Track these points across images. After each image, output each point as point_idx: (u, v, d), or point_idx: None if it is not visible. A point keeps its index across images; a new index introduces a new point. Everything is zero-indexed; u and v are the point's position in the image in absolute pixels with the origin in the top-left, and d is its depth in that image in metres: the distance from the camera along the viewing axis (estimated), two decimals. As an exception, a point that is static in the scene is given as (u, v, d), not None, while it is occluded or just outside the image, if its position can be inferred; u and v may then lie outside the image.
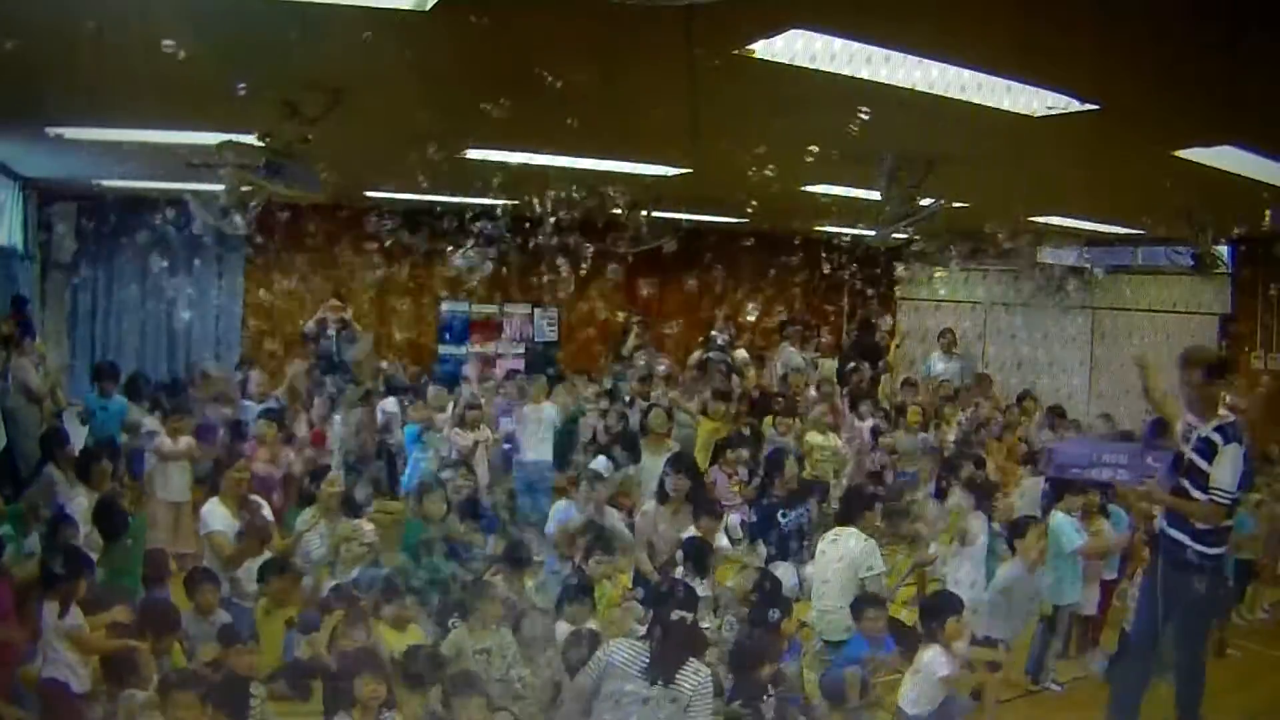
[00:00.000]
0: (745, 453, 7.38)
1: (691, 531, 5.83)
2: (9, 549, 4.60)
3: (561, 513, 6.05)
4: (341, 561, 5.47)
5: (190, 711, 3.62)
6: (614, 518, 6.10)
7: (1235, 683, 5.56)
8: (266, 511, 5.74)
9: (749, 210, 7.94)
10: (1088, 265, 10.16)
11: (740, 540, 7.13)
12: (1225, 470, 4.27)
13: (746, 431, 8.16)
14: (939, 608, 4.52)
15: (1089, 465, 5.18)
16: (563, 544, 5.79)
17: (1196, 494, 4.32)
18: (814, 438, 7.88)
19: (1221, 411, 4.39)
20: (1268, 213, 5.69)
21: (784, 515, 6.51)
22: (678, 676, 3.74)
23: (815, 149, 4.26)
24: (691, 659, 3.83)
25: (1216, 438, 4.30)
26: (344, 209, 9.63)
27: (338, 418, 7.60)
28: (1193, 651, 4.52)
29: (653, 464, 6.86)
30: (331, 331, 9.19)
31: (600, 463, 7.00)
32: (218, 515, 5.48)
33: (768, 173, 4.50)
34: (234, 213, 5.06)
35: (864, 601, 4.96)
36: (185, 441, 6.54)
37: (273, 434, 6.75)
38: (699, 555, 5.42)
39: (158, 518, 6.41)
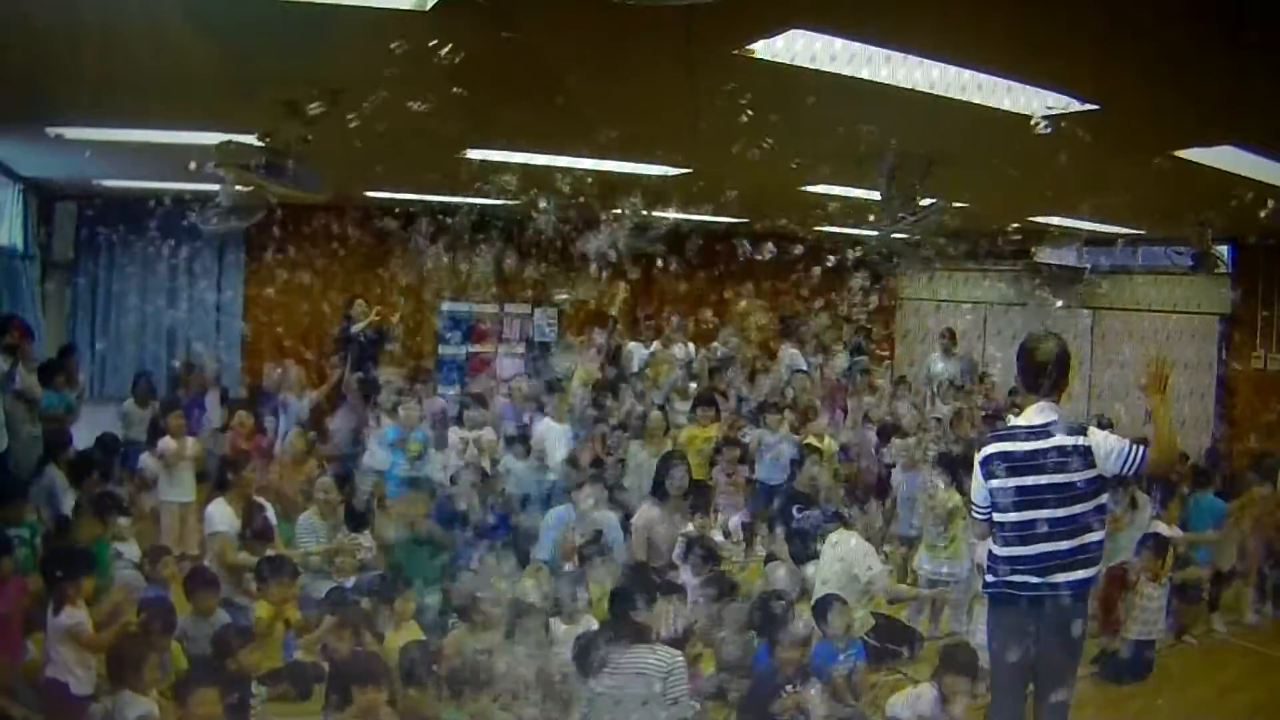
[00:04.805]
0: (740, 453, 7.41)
1: (688, 529, 5.85)
2: (21, 550, 4.63)
3: (557, 518, 6.05)
4: (335, 571, 5.50)
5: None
6: (612, 520, 6.11)
7: (1235, 683, 5.57)
8: (269, 513, 5.75)
9: (748, 210, 7.95)
10: (1087, 265, 10.16)
11: (740, 543, 7.14)
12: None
13: (744, 435, 8.16)
14: (950, 660, 4.48)
15: None
16: (559, 552, 5.80)
17: None
18: (814, 440, 7.89)
19: (1015, 416, 3.95)
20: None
21: (799, 512, 6.50)
22: (635, 663, 3.76)
23: (798, 161, 4.21)
24: (658, 646, 3.86)
25: None
26: (344, 209, 9.63)
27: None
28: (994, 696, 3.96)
29: (649, 465, 6.87)
30: (371, 335, 9.10)
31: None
32: (222, 515, 5.49)
33: (764, 171, 4.49)
34: (234, 213, 5.05)
35: (825, 601, 4.89)
36: (189, 443, 6.56)
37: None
38: (700, 550, 5.44)
39: (162, 518, 6.43)
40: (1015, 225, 8.62)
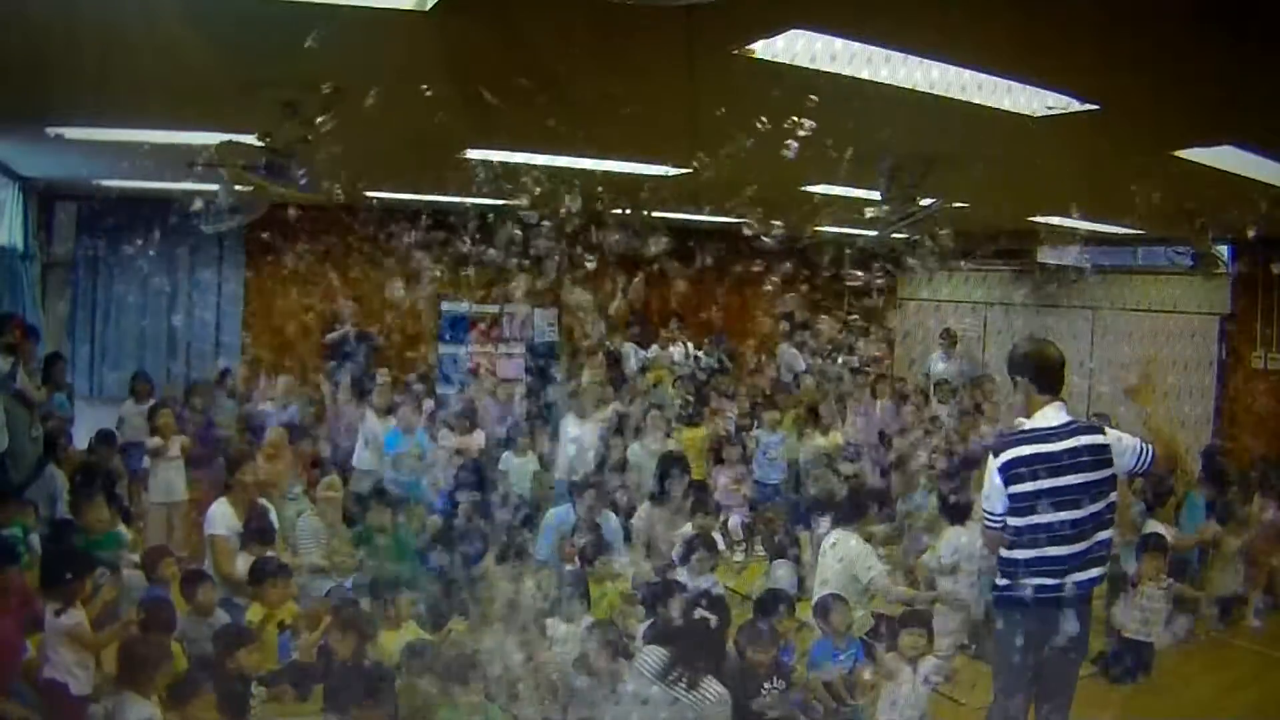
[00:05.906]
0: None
1: (689, 529, 5.85)
2: (19, 550, 4.63)
3: (558, 518, 6.05)
4: (335, 570, 5.49)
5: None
6: (612, 521, 6.11)
7: (1235, 683, 5.56)
8: (272, 515, 5.75)
9: (748, 210, 7.91)
10: (1087, 265, 10.15)
11: (740, 543, 7.14)
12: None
13: (742, 435, 8.16)
14: (902, 622, 4.60)
15: None
16: (559, 552, 5.80)
17: None
18: (818, 440, 7.90)
19: (1020, 419, 3.88)
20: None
21: (819, 516, 6.49)
22: (702, 685, 3.74)
23: (788, 142, 4.18)
24: (711, 676, 3.84)
25: None
26: (344, 209, 9.63)
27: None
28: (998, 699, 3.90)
29: (649, 464, 6.87)
30: (354, 342, 9.08)
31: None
32: (224, 516, 5.48)
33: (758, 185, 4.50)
34: (234, 213, 5.05)
35: (826, 601, 4.95)
36: (177, 441, 6.54)
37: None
38: (703, 550, 5.45)
39: (153, 518, 6.41)
40: (1015, 226, 8.62)
